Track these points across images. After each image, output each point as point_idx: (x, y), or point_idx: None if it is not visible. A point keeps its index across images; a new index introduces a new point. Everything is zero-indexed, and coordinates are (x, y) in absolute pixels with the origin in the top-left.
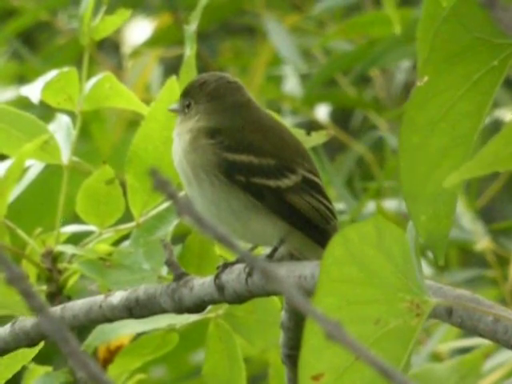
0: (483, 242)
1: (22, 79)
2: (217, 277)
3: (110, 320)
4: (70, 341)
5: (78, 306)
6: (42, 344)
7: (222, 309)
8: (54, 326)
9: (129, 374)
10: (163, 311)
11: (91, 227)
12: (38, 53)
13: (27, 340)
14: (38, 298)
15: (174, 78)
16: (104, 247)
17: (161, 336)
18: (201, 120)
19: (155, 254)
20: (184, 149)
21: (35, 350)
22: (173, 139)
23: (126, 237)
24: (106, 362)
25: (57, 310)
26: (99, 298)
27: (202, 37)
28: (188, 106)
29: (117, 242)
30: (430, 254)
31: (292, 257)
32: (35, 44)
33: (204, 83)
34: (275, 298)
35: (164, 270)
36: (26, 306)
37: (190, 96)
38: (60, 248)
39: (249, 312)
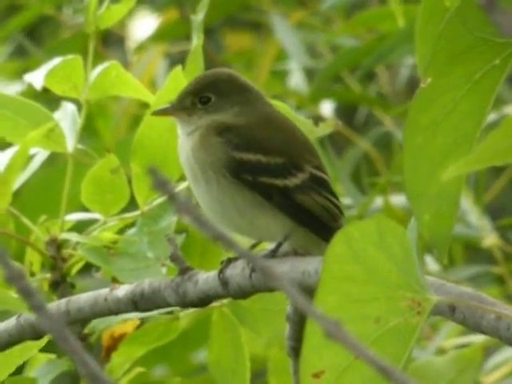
0: (490, 239)
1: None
2: (221, 271)
3: (114, 313)
4: (69, 339)
5: (83, 299)
6: (47, 338)
7: (227, 298)
8: (53, 325)
9: (129, 366)
10: (168, 305)
11: (96, 215)
12: (42, 47)
13: (32, 333)
14: (37, 297)
15: (179, 67)
16: (108, 235)
17: (164, 324)
18: (218, 115)
19: (159, 243)
20: (193, 146)
21: (40, 343)
22: (179, 133)
23: (130, 225)
24: (110, 350)
25: (62, 303)
26: (104, 291)
27: (207, 32)
28: (206, 101)
29: (121, 231)
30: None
31: (296, 253)
32: (39, 39)
33: (230, 76)
34: None
35: (167, 260)
36: (25, 303)
37: (208, 90)
38: (64, 236)
39: (254, 301)
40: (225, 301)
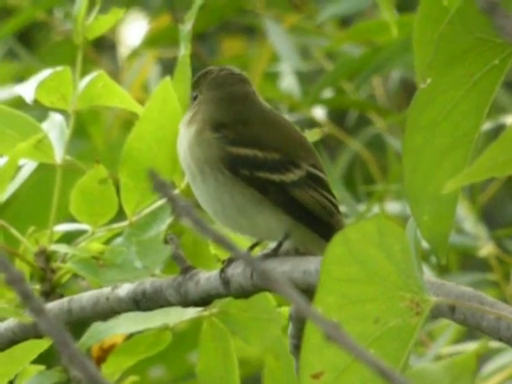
0: (487, 248)
1: (19, 78)
2: (222, 271)
3: (117, 312)
4: (69, 343)
5: (85, 298)
6: (49, 342)
7: (216, 307)
8: (53, 328)
9: (122, 373)
10: (169, 304)
11: (84, 226)
12: (35, 51)
13: (35, 331)
14: (37, 300)
15: (168, 77)
16: (97, 246)
17: (154, 335)
18: (205, 111)
19: (149, 252)
20: (189, 142)
21: (40, 348)
22: (179, 130)
23: (118, 235)
24: (100, 361)
25: (64, 301)
26: (106, 290)
27: (201, 37)
28: (195, 98)
29: (110, 241)
30: (431, 259)
31: (297, 251)
32: (32, 42)
33: (207, 73)
34: (270, 296)
35: (158, 269)
36: (25, 307)
37: (195, 87)
38: (53, 247)
39: (243, 310)
40: (214, 310)
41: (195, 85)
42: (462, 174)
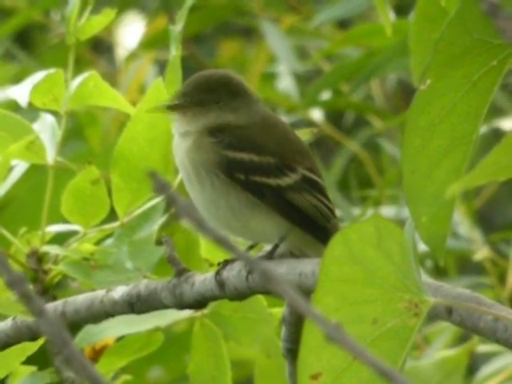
0: (482, 252)
1: (16, 80)
2: (218, 273)
3: (111, 315)
4: (69, 343)
5: (79, 300)
6: (40, 342)
7: (208, 308)
8: (53, 329)
9: (121, 373)
10: (164, 307)
11: (76, 227)
12: (32, 53)
13: (29, 334)
14: (37, 301)
15: (160, 79)
16: (88, 247)
17: (146, 336)
18: (218, 116)
19: (140, 253)
20: (188, 147)
21: (31, 348)
22: (173, 136)
23: (110, 236)
24: (92, 362)
25: (58, 304)
26: (101, 292)
27: (199, 38)
28: (201, 104)
29: (101, 242)
30: (427, 263)
31: (292, 254)
32: (29, 44)
33: (233, 78)
34: (261, 296)
35: (149, 270)
36: (25, 308)
37: (217, 90)
38: (45, 248)
39: (234, 310)
40: (206, 311)
41: (217, 87)
42: (465, 177)
